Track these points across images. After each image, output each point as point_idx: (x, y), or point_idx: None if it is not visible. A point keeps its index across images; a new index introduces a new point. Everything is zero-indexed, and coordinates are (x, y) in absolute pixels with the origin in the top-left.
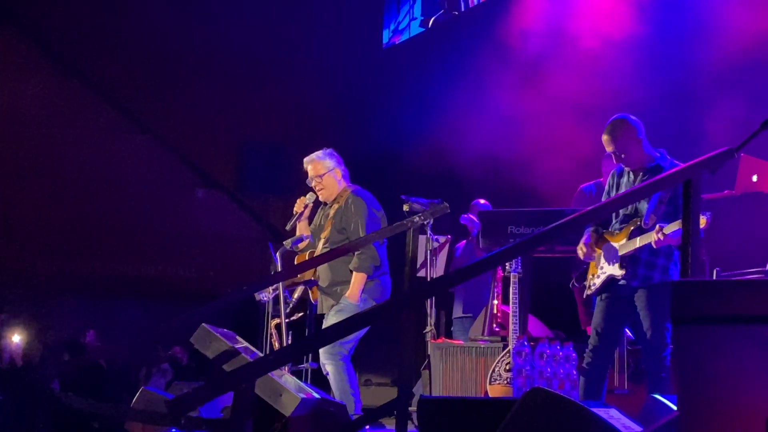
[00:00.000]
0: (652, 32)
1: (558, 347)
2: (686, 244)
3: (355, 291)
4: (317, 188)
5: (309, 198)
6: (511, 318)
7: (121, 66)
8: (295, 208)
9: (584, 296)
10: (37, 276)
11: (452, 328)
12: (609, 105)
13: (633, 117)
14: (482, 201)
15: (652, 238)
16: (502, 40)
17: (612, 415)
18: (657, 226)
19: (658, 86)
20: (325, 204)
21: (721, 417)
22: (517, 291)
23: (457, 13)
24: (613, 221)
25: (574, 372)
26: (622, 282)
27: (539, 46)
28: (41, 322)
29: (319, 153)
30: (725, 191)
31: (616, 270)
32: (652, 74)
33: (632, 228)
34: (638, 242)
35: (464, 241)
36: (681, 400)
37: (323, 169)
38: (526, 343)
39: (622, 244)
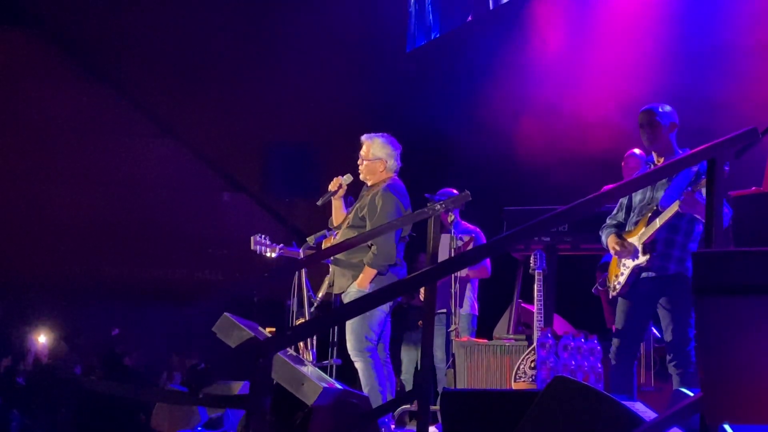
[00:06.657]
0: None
1: (582, 340)
2: (710, 224)
3: (364, 281)
4: (360, 166)
5: (345, 179)
6: (535, 315)
7: (147, 70)
8: (330, 186)
9: (610, 297)
10: (66, 279)
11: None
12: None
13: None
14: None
15: (675, 206)
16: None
17: (638, 408)
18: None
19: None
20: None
21: (742, 390)
22: (541, 288)
23: (470, 18)
24: (630, 220)
25: (599, 365)
26: (643, 275)
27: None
28: (70, 325)
29: (378, 137)
30: (752, 188)
31: (639, 259)
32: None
33: (649, 215)
34: (658, 222)
35: None
36: (703, 371)
37: (370, 155)
38: (549, 335)
39: (642, 233)
